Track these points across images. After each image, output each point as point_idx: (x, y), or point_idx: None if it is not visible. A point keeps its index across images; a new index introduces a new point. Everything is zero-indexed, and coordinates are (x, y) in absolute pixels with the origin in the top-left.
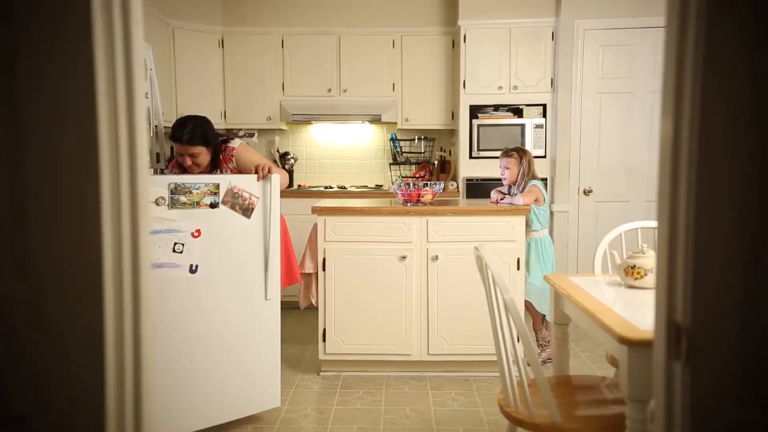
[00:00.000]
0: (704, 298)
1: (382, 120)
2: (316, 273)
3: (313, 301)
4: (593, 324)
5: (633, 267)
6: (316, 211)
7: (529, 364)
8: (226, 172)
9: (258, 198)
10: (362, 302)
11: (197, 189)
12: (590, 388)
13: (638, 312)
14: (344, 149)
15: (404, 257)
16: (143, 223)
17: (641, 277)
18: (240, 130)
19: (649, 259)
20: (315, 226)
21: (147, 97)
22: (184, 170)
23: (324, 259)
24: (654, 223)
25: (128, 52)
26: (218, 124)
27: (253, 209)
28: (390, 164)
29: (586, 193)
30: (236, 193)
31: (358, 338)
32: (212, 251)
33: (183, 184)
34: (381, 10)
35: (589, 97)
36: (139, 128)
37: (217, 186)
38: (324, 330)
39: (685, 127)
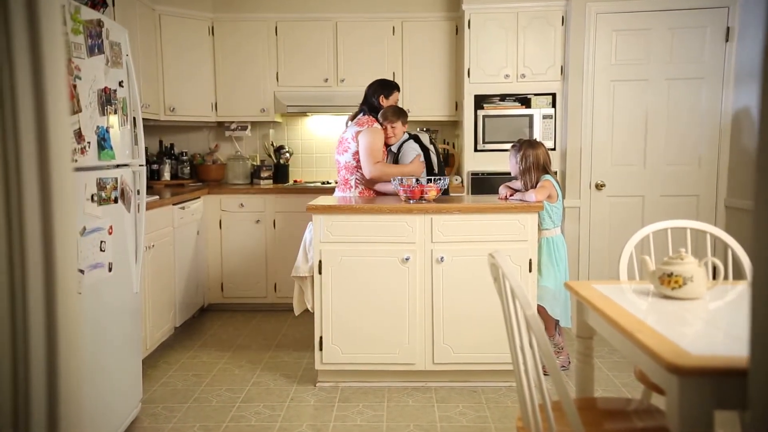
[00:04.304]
0: None
1: None
2: (312, 276)
3: (309, 307)
4: (627, 341)
5: (670, 275)
6: (312, 209)
7: (546, 373)
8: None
9: (132, 191)
10: (362, 308)
11: (108, 184)
12: (618, 414)
13: (679, 328)
14: None
15: (407, 259)
16: (62, 225)
17: (679, 286)
18: (232, 122)
19: (688, 266)
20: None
21: (122, 86)
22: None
23: (320, 261)
24: (686, 223)
25: (33, 20)
26: (209, 116)
27: (130, 202)
28: None
29: (599, 187)
30: (123, 188)
31: (357, 346)
32: (119, 247)
33: (100, 179)
34: None
35: (602, 85)
36: (52, 116)
37: (116, 180)
38: (321, 337)
39: None
